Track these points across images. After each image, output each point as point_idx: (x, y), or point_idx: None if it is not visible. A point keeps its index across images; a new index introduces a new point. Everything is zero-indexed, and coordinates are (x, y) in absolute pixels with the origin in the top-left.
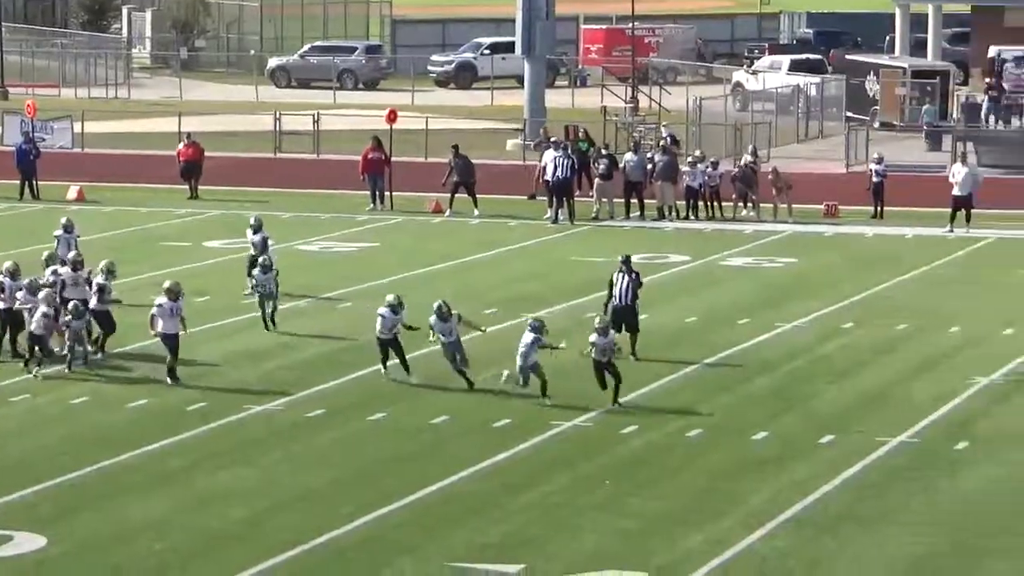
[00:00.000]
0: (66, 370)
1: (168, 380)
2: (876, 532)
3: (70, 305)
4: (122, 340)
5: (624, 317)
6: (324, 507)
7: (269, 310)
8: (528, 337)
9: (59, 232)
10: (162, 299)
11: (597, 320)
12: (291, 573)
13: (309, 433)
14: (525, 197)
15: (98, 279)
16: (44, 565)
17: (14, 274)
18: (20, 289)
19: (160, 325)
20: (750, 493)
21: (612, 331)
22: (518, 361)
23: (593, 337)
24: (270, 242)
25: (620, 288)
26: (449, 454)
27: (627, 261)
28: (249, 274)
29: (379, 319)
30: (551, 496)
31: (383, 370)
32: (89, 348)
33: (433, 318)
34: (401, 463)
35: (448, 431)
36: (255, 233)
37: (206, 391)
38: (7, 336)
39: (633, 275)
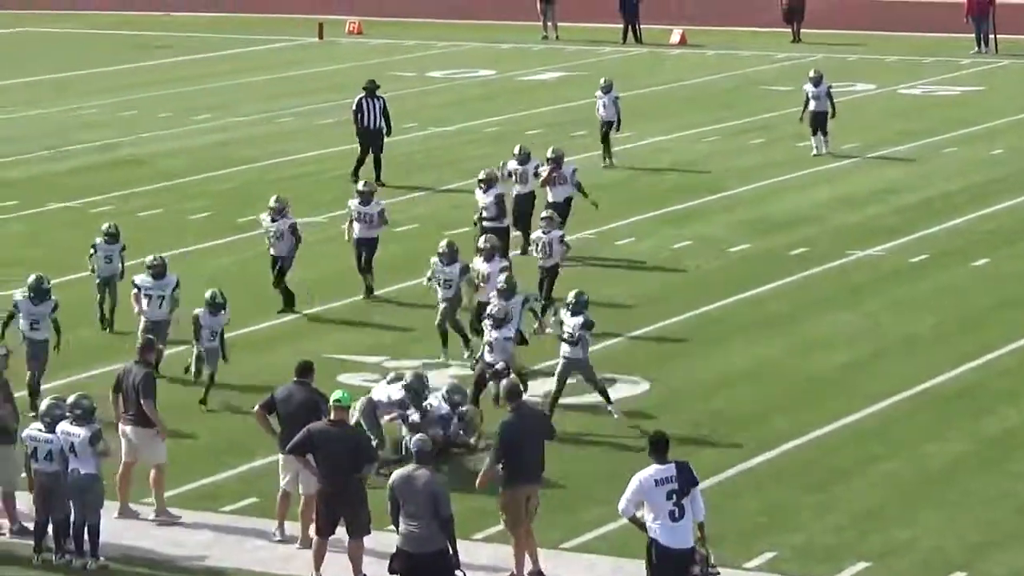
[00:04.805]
0: None
1: None
2: None
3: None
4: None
5: None
6: (926, 354)
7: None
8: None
9: (599, 94)
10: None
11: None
12: (888, 419)
13: (912, 279)
14: None
15: None
16: (645, 409)
17: None
18: None
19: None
20: None
21: None
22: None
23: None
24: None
25: None
26: None
27: None
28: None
29: None
30: None
31: None
32: None
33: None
34: (1004, 309)
35: None
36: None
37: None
38: None
39: None
